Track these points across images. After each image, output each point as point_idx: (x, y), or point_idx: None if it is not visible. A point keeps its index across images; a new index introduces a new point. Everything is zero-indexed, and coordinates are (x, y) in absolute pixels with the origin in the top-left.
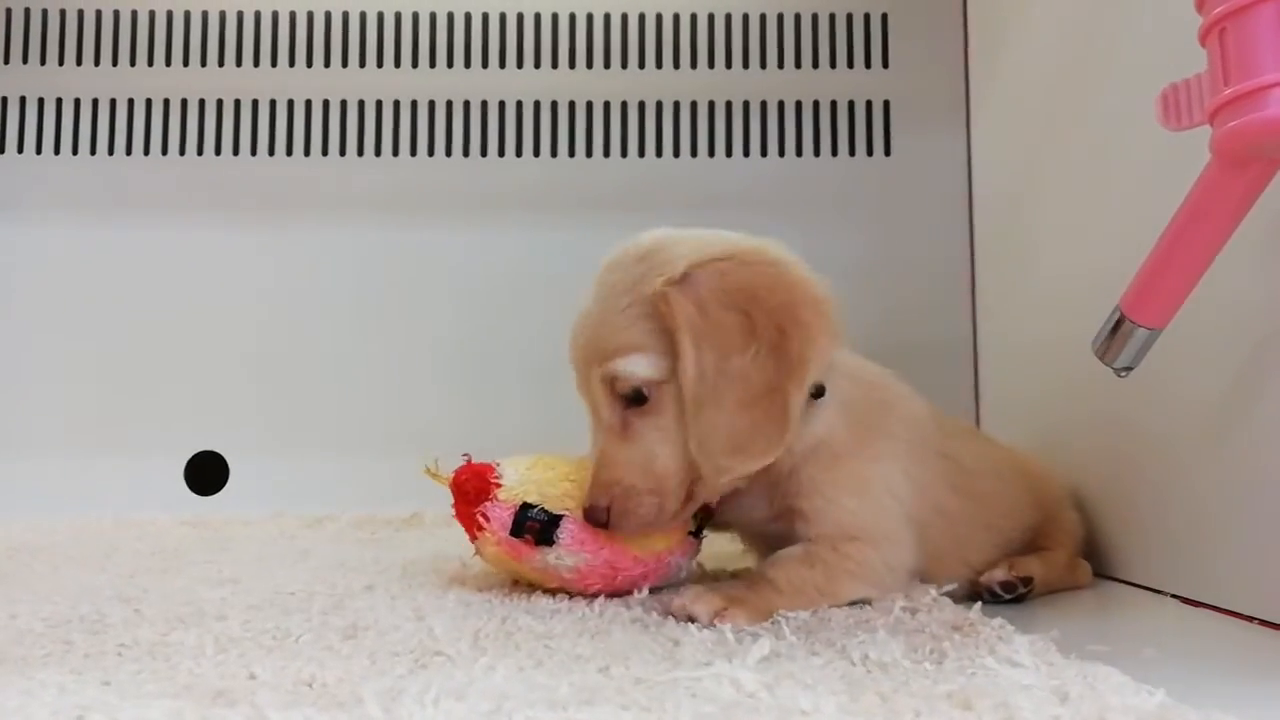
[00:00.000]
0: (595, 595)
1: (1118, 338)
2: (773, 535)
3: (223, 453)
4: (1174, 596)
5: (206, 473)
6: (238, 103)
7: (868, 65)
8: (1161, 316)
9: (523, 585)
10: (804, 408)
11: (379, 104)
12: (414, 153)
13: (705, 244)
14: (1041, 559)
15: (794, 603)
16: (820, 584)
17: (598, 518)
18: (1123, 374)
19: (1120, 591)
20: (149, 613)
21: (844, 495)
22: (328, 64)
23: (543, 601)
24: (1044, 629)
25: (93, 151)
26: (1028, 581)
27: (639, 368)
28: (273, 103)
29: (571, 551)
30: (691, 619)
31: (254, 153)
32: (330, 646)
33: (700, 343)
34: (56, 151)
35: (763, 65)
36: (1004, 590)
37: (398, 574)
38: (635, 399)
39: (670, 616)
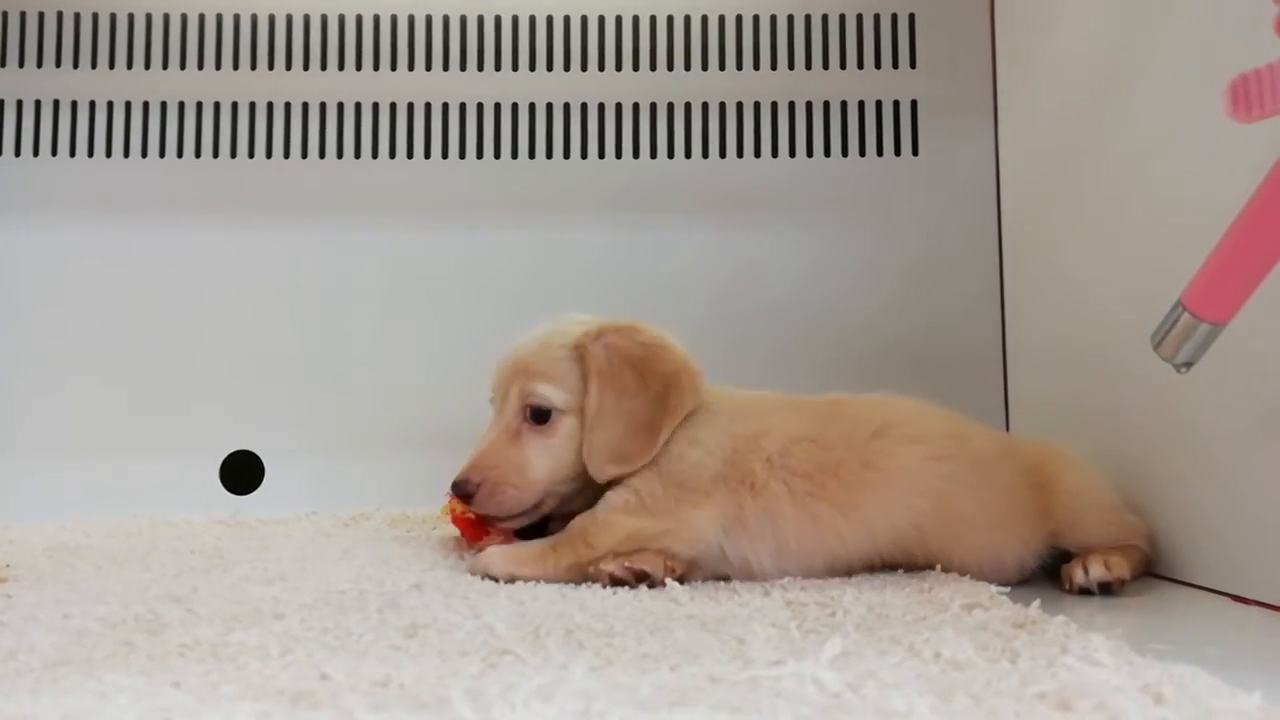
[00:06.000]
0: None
1: (1178, 333)
2: None
3: (258, 452)
4: (1226, 594)
5: (242, 472)
6: (270, 105)
7: (895, 65)
8: (1226, 311)
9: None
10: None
11: (410, 106)
12: (445, 154)
13: (600, 320)
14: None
15: (577, 542)
16: (601, 519)
17: (465, 490)
18: (1183, 370)
19: (1171, 590)
20: (203, 612)
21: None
22: (359, 67)
23: (592, 596)
24: (1103, 627)
25: (126, 154)
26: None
27: (554, 395)
28: (305, 105)
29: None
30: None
31: (286, 155)
32: (396, 646)
33: (603, 385)
34: (91, 154)
35: (790, 66)
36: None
37: (443, 571)
38: (538, 417)
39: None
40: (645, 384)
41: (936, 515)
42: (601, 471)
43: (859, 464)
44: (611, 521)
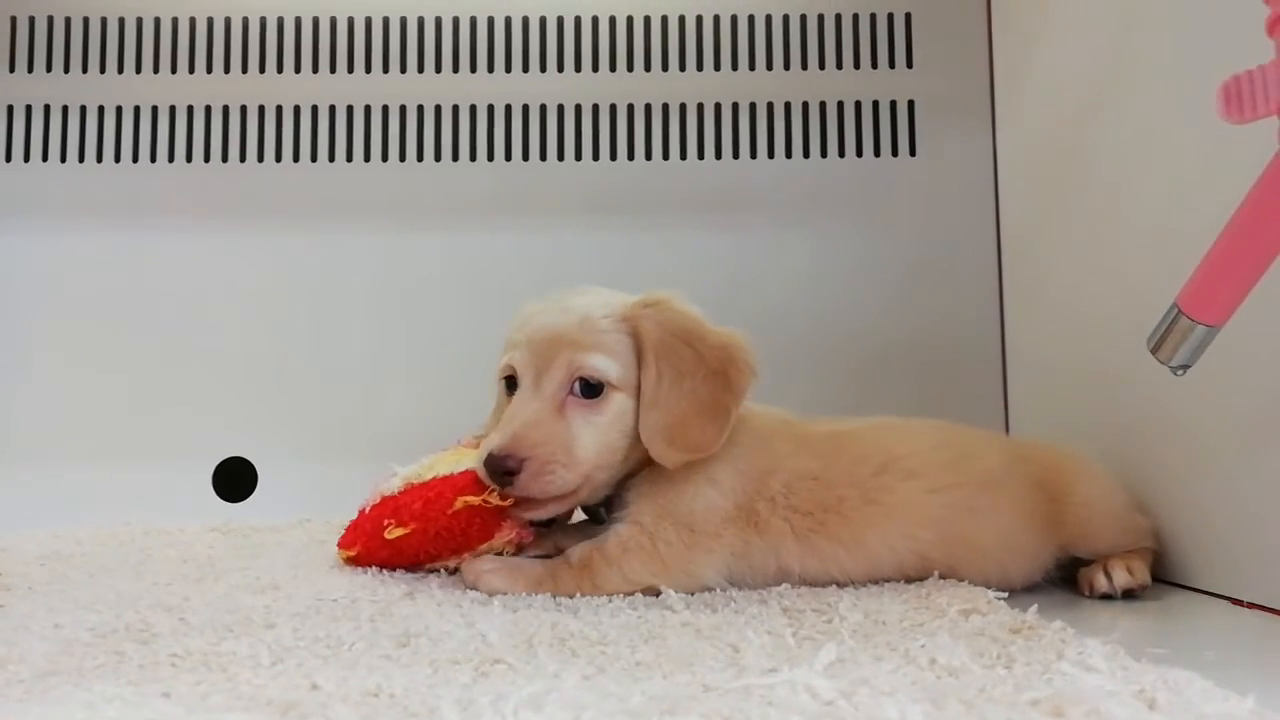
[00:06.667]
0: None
1: (1174, 335)
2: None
3: (251, 458)
4: (1224, 598)
5: (234, 479)
6: (262, 109)
7: (891, 65)
8: (1222, 313)
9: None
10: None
11: (403, 109)
12: (438, 158)
13: (635, 297)
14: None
15: (582, 577)
16: (612, 558)
17: (506, 466)
18: (1179, 372)
19: (1169, 593)
20: (195, 621)
21: (664, 485)
22: (351, 70)
23: (586, 604)
24: (1100, 632)
25: (117, 159)
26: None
27: (609, 368)
28: (296, 108)
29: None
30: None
31: (278, 159)
32: (387, 655)
33: (660, 361)
34: (81, 159)
35: (785, 66)
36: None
37: (435, 579)
38: (588, 392)
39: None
40: (701, 359)
41: (941, 543)
42: (667, 457)
43: (861, 501)
44: (626, 571)
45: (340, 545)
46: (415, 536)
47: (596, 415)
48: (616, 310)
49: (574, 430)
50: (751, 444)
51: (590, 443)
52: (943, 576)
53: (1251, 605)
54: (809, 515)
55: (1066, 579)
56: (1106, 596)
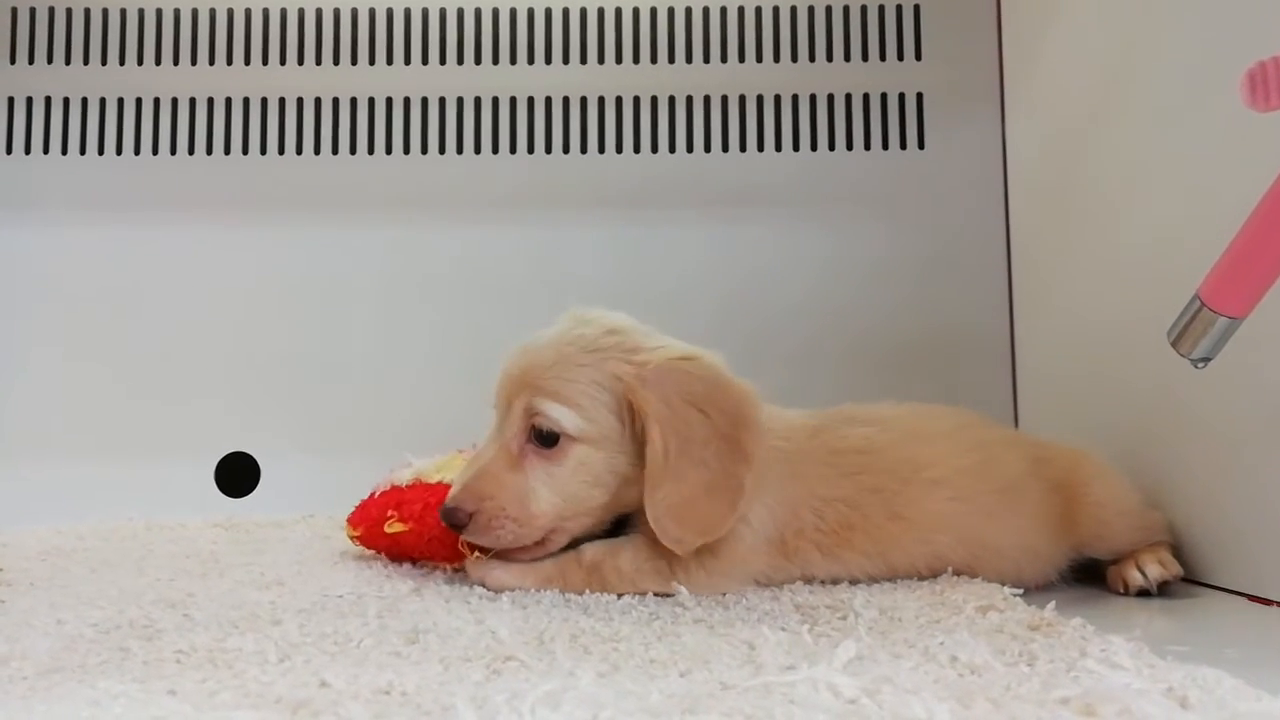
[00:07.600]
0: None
1: (1195, 327)
2: None
3: (254, 453)
4: (1241, 594)
5: (237, 474)
6: (265, 101)
7: (900, 57)
8: (1244, 304)
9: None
10: None
11: (406, 101)
12: (442, 150)
13: (664, 345)
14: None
15: (591, 580)
16: (625, 574)
17: (456, 519)
18: (1200, 365)
19: (1185, 589)
20: (199, 617)
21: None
22: (354, 61)
23: (596, 601)
24: (1119, 629)
25: (119, 152)
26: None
27: (565, 418)
28: (300, 101)
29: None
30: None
31: (281, 151)
32: (397, 652)
33: (666, 432)
34: (82, 152)
35: (794, 58)
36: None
37: (442, 575)
38: (545, 440)
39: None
40: (712, 425)
41: (959, 545)
42: (680, 543)
43: (886, 517)
44: (639, 584)
45: (349, 522)
46: (411, 536)
47: (555, 466)
48: (609, 367)
49: (531, 482)
50: (782, 475)
51: (549, 496)
52: (957, 574)
53: (1270, 602)
54: (835, 534)
55: (1077, 577)
56: (1144, 593)
